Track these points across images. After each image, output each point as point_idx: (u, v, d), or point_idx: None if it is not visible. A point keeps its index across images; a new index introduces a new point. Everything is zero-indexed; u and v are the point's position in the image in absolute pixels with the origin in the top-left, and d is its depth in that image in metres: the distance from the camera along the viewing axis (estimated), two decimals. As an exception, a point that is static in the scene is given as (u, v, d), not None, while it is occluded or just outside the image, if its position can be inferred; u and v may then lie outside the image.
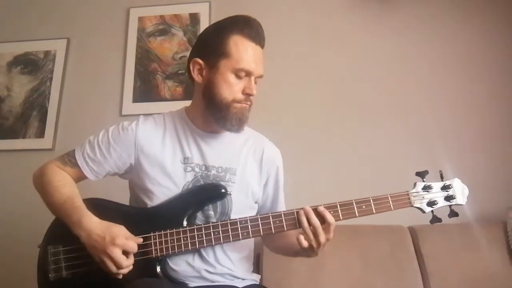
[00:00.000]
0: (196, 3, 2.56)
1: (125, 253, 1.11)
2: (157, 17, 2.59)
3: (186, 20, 2.56)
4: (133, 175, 1.30)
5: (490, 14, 2.37)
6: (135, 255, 1.13)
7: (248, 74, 1.23)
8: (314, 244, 1.12)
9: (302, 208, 1.15)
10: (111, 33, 2.60)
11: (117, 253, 1.08)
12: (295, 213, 1.17)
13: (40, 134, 2.46)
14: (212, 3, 2.53)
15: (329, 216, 1.13)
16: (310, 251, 1.16)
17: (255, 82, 1.26)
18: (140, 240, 1.15)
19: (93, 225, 1.12)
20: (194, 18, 2.54)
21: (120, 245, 1.09)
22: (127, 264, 1.10)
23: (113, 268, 1.09)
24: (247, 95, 1.24)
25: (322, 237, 1.12)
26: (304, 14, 2.49)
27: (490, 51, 2.32)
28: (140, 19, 2.60)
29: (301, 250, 1.18)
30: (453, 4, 2.41)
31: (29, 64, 2.61)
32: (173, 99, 2.42)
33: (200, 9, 2.54)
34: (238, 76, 1.23)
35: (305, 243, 1.12)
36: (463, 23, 2.38)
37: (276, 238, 1.35)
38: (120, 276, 1.11)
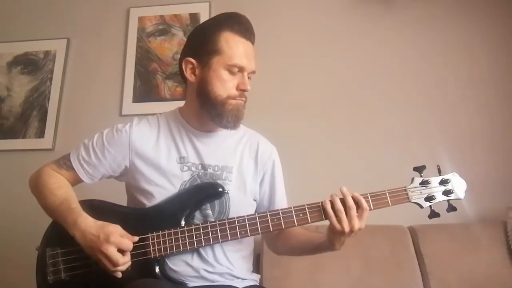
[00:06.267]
0: (196, 3, 2.56)
1: (121, 251, 1.10)
2: (157, 17, 2.59)
3: (186, 20, 2.56)
4: (128, 177, 1.30)
5: (490, 14, 2.37)
6: (134, 255, 1.13)
7: (241, 69, 1.24)
8: (347, 228, 1.10)
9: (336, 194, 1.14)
10: (111, 33, 2.60)
11: (112, 251, 1.08)
12: (320, 203, 1.15)
13: (40, 134, 2.46)
14: (212, 3, 2.54)
15: (364, 203, 1.12)
16: (336, 241, 1.15)
17: (249, 78, 1.27)
18: (135, 238, 1.15)
19: (88, 225, 1.12)
20: (194, 18, 2.54)
21: (115, 243, 1.09)
22: (123, 261, 1.10)
23: (109, 266, 1.09)
24: (242, 90, 1.25)
25: (356, 222, 1.10)
26: (304, 14, 2.49)
27: (491, 50, 2.32)
28: (140, 19, 2.60)
29: (326, 242, 1.18)
30: (453, 4, 2.41)
31: (29, 64, 2.61)
32: (173, 99, 2.41)
33: (200, 9, 2.55)
34: (232, 72, 1.24)
35: (338, 226, 1.11)
36: (462, 23, 2.38)
37: (290, 238, 1.34)
38: (119, 275, 1.11)
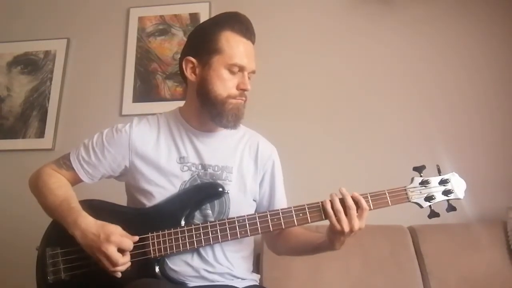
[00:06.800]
0: (196, 3, 2.57)
1: (121, 251, 1.10)
2: (157, 17, 2.59)
3: (186, 20, 2.56)
4: (128, 177, 1.30)
5: (490, 14, 2.37)
6: (134, 255, 1.13)
7: (241, 69, 1.24)
8: (347, 228, 1.10)
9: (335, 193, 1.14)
10: (111, 33, 2.61)
11: (112, 251, 1.08)
12: (320, 203, 1.15)
13: (40, 134, 2.46)
14: (212, 3, 2.54)
15: (363, 202, 1.12)
16: (337, 240, 1.15)
17: (248, 78, 1.27)
18: (136, 238, 1.15)
19: (88, 224, 1.12)
20: (194, 18, 2.54)
21: (115, 243, 1.09)
22: (123, 261, 1.10)
23: (109, 266, 1.09)
24: (242, 90, 1.25)
25: (356, 222, 1.10)
26: (304, 14, 2.49)
27: (491, 50, 2.32)
28: (140, 19, 2.60)
29: (326, 241, 1.18)
30: (453, 4, 2.41)
31: (29, 64, 2.61)
32: (173, 99, 2.42)
33: (200, 9, 2.55)
34: (232, 72, 1.24)
35: (338, 226, 1.10)
36: (462, 23, 2.38)
37: (290, 238, 1.34)
38: (119, 275, 1.11)
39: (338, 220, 1.11)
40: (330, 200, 1.14)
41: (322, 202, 1.15)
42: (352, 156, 2.23)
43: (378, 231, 1.92)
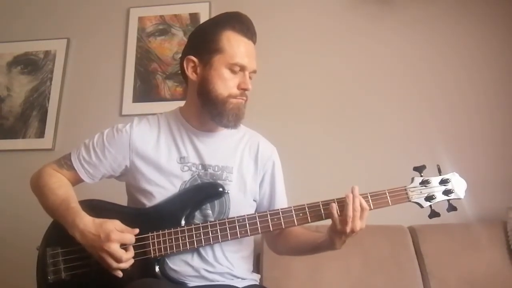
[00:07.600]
0: (196, 3, 2.57)
1: (124, 247, 1.11)
2: (157, 17, 2.59)
3: (186, 20, 2.56)
4: (129, 177, 1.30)
5: (490, 14, 2.37)
6: (134, 255, 1.13)
7: (242, 69, 1.25)
8: (348, 228, 1.10)
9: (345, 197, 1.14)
10: (111, 33, 2.61)
11: (114, 248, 1.08)
12: (320, 203, 1.16)
13: (40, 134, 2.46)
14: (212, 3, 2.54)
15: (364, 202, 1.12)
16: (337, 240, 1.15)
17: (250, 78, 1.27)
18: (136, 230, 1.15)
19: (87, 224, 1.12)
20: (194, 18, 2.54)
21: (117, 239, 1.09)
22: (127, 257, 1.10)
23: (113, 263, 1.09)
24: (243, 90, 1.25)
25: (358, 223, 1.10)
26: (304, 14, 2.49)
27: (490, 50, 2.32)
28: (140, 19, 2.60)
29: (326, 241, 1.18)
30: (453, 4, 2.41)
31: (29, 64, 2.61)
32: (173, 99, 2.41)
33: (200, 9, 2.55)
34: (233, 71, 1.24)
35: (340, 226, 1.11)
36: (462, 23, 2.38)
37: (290, 237, 1.34)
38: (120, 274, 1.11)
39: (342, 221, 1.11)
40: (338, 201, 1.14)
41: (322, 202, 1.16)
42: (352, 156, 2.23)
43: (378, 231, 1.92)
